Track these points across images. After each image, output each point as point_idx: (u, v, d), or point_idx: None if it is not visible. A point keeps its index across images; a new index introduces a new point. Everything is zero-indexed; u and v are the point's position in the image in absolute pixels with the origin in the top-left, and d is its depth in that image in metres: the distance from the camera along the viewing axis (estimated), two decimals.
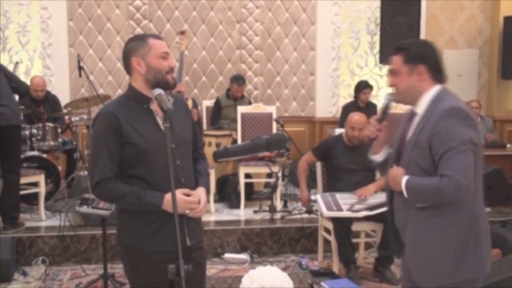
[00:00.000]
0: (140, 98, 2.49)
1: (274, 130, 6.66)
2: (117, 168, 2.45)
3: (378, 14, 7.98)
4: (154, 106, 2.48)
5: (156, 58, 2.46)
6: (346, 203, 4.57)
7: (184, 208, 2.45)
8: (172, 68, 2.48)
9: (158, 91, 2.40)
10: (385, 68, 8.30)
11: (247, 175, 6.26)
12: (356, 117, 4.92)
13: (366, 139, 4.75)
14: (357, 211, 4.44)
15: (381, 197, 4.78)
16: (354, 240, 4.77)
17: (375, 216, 4.57)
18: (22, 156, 5.89)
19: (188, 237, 2.53)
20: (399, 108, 6.68)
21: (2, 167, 5.33)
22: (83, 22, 7.74)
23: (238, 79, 7.13)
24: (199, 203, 2.50)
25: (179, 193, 2.42)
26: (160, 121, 2.47)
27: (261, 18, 8.10)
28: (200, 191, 2.56)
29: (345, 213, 4.45)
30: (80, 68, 6.32)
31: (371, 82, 7.92)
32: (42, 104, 6.53)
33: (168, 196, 2.40)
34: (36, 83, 6.60)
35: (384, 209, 4.49)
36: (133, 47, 2.49)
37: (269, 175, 6.17)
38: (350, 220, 4.56)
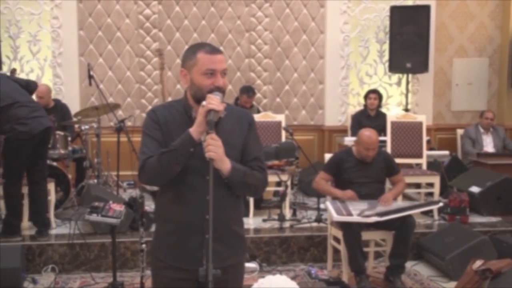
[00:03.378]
0: (185, 105, 2.42)
1: (283, 139, 6.64)
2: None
3: (387, 22, 7.99)
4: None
5: (199, 75, 2.33)
6: (356, 209, 4.55)
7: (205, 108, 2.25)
8: (217, 87, 2.32)
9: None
10: (394, 77, 8.30)
11: None
12: (369, 139, 4.80)
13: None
14: (367, 216, 4.43)
15: (391, 205, 4.77)
16: (364, 249, 4.73)
17: (385, 224, 4.55)
18: None
19: (207, 259, 2.25)
20: (409, 117, 6.68)
21: (33, 174, 5.36)
22: (93, 31, 7.79)
23: (248, 91, 7.13)
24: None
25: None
26: None
27: (270, 27, 8.12)
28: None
29: (355, 218, 4.44)
30: (90, 77, 6.35)
31: (381, 90, 7.91)
32: (52, 113, 6.54)
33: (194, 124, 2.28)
34: (39, 90, 6.54)
35: (394, 215, 4.50)
36: (184, 57, 2.40)
37: (278, 184, 6.15)
38: (360, 227, 4.54)
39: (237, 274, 2.54)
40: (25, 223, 5.71)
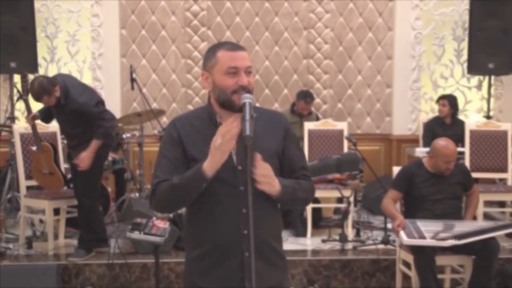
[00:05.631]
0: (209, 111, 2.46)
1: (346, 149, 6.61)
2: (178, 174, 2.41)
3: (466, 17, 7.85)
4: (224, 121, 2.36)
5: (221, 75, 2.36)
6: (430, 231, 4.47)
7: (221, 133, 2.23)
8: (241, 86, 2.33)
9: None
10: (474, 79, 8.13)
11: (315, 200, 6.19)
12: (448, 150, 4.71)
13: None
14: (443, 239, 4.33)
15: (471, 226, 4.66)
16: (439, 276, 4.64)
17: (464, 248, 4.44)
18: (69, 176, 6.06)
19: (248, 279, 2.31)
20: (491, 125, 6.53)
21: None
22: (136, 30, 7.95)
23: (306, 96, 7.10)
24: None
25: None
26: None
27: (332, 24, 8.10)
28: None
29: (429, 241, 4.35)
30: (133, 80, 6.47)
31: (458, 95, 7.77)
32: None
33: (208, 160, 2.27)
34: None
35: (474, 238, 4.39)
36: (205, 59, 2.44)
37: (340, 200, 6.11)
38: (434, 251, 4.45)
39: None
40: (61, 240, 5.86)
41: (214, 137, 2.26)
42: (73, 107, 5.22)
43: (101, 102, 5.39)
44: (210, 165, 2.27)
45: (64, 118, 5.43)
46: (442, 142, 4.78)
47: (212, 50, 2.41)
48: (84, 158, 5.20)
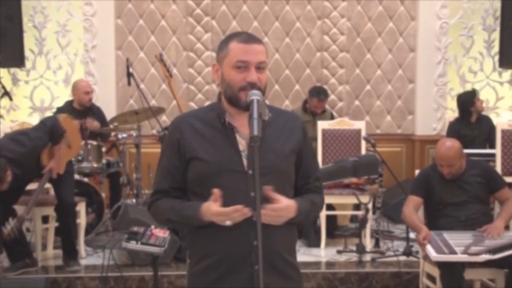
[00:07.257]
0: (218, 108, 2.46)
1: (363, 151, 6.63)
2: (174, 184, 2.49)
3: (498, 5, 7.85)
4: (235, 121, 2.42)
5: (229, 68, 2.38)
6: (459, 244, 4.43)
7: (221, 221, 2.32)
8: (250, 83, 2.34)
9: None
10: (506, 74, 8.09)
11: (329, 207, 6.23)
12: (442, 150, 4.74)
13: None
14: (476, 254, 4.29)
15: (505, 237, 4.61)
16: None
17: (495, 260, 4.41)
18: None
19: None
20: None
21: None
22: (133, 20, 7.95)
23: (320, 93, 7.09)
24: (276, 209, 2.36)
25: (210, 202, 2.32)
26: (240, 139, 2.41)
27: (348, 13, 8.09)
28: (284, 200, 2.36)
29: (461, 257, 4.32)
30: (129, 75, 6.46)
31: (488, 90, 7.79)
32: (88, 116, 6.68)
33: (206, 205, 2.33)
34: (86, 85, 6.89)
35: (510, 252, 4.34)
36: (217, 49, 2.47)
37: (357, 207, 6.10)
38: (462, 265, 4.42)
39: None
40: (49, 251, 5.86)
41: (219, 213, 2.30)
42: (27, 156, 5.08)
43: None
44: (209, 218, 2.34)
45: (26, 174, 5.18)
46: (447, 143, 4.82)
47: (226, 40, 2.44)
48: (57, 166, 5.24)
